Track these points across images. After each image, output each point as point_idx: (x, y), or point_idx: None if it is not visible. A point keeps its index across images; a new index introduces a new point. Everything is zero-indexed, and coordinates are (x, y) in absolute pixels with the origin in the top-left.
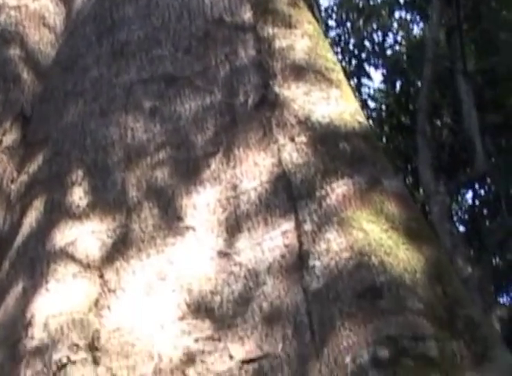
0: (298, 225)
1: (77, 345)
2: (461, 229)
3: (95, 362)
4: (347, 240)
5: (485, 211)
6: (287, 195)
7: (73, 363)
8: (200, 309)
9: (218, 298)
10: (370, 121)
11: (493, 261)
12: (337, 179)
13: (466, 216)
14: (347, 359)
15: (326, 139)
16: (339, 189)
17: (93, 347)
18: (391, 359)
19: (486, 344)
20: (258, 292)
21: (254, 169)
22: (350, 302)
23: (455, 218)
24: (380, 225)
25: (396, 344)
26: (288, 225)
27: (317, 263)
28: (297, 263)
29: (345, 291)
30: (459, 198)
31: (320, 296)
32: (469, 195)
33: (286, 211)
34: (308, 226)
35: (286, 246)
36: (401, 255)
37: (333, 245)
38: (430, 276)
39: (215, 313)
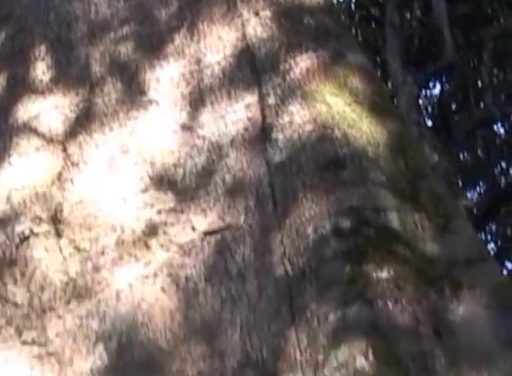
0: (262, 99)
1: (39, 218)
2: (429, 124)
3: (58, 234)
4: (311, 113)
5: (454, 106)
6: (251, 69)
7: (36, 235)
8: (163, 181)
9: (180, 171)
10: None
11: (461, 156)
12: (301, 53)
13: (435, 111)
14: (309, 230)
15: (290, 14)
16: (303, 63)
17: (56, 219)
18: (353, 229)
19: (448, 216)
20: (221, 165)
21: (217, 43)
22: (312, 174)
23: (423, 113)
24: (344, 99)
25: (358, 215)
26: (251, 98)
27: (280, 136)
28: (260, 136)
29: (308, 163)
30: (428, 92)
31: (283, 168)
32: (437, 90)
33: (250, 84)
34: (271, 99)
35: (249, 119)
36: (364, 128)
37: (297, 118)
38: (393, 149)
39: (178, 186)
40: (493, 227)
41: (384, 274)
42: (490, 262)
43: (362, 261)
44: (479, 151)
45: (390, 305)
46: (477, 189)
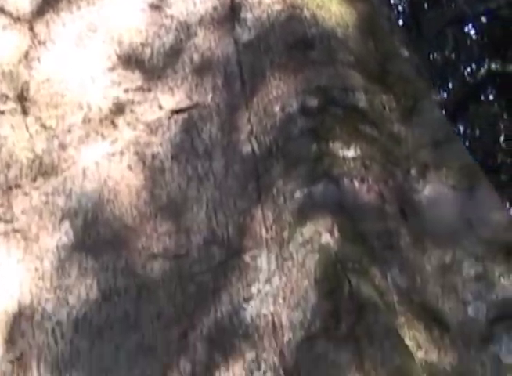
0: None
1: (6, 96)
2: (400, 23)
3: (25, 112)
4: None
5: (425, 5)
6: None
7: (2, 113)
8: (131, 60)
9: (148, 50)
10: None
11: (431, 56)
12: None
13: (406, 9)
14: (277, 108)
15: None
16: None
17: (22, 97)
18: (320, 108)
19: (416, 98)
20: (189, 44)
21: None
22: (281, 53)
23: (394, 12)
24: None
25: (325, 94)
26: None
27: (249, 15)
28: (228, 15)
29: (276, 43)
30: None
31: (251, 47)
32: None
33: None
34: None
35: None
36: (333, 9)
37: None
38: (362, 31)
39: (145, 65)
40: (461, 128)
41: (350, 153)
42: (457, 143)
43: (329, 139)
44: (449, 51)
45: (356, 183)
46: (447, 90)
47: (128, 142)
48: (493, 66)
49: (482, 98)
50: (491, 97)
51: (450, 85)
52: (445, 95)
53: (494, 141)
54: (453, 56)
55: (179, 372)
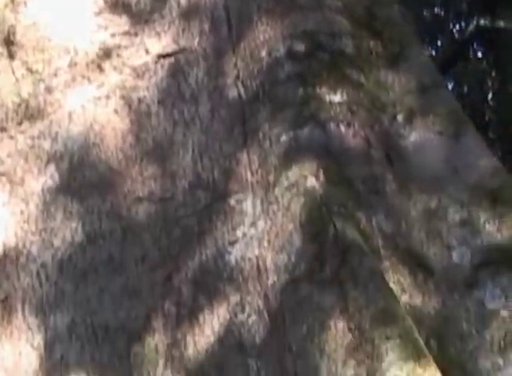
0: None
1: None
2: None
3: (11, 56)
4: None
5: None
6: None
7: None
8: (118, 4)
9: None
10: None
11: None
12: None
13: None
14: (264, 53)
15: None
16: None
17: (9, 41)
18: (307, 53)
19: (403, 44)
20: None
21: None
22: None
23: None
24: None
25: (313, 39)
26: None
27: None
28: None
29: None
30: None
31: None
32: None
33: None
34: None
35: None
36: None
37: None
38: None
39: (132, 9)
40: (450, 85)
41: (337, 97)
42: (444, 89)
43: (316, 84)
44: (438, 7)
45: (342, 128)
46: (435, 47)
47: (115, 86)
48: (482, 22)
49: (471, 55)
50: (479, 54)
51: (439, 43)
52: (434, 52)
53: (482, 98)
54: (442, 12)
55: (164, 314)
